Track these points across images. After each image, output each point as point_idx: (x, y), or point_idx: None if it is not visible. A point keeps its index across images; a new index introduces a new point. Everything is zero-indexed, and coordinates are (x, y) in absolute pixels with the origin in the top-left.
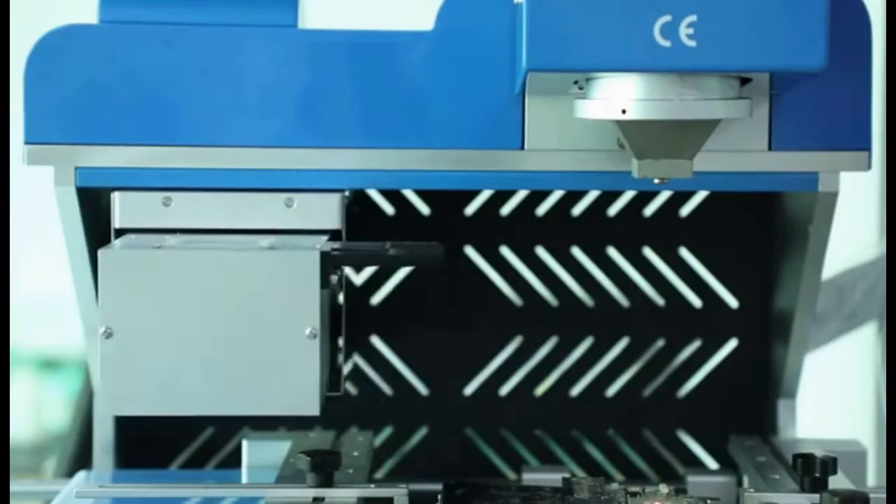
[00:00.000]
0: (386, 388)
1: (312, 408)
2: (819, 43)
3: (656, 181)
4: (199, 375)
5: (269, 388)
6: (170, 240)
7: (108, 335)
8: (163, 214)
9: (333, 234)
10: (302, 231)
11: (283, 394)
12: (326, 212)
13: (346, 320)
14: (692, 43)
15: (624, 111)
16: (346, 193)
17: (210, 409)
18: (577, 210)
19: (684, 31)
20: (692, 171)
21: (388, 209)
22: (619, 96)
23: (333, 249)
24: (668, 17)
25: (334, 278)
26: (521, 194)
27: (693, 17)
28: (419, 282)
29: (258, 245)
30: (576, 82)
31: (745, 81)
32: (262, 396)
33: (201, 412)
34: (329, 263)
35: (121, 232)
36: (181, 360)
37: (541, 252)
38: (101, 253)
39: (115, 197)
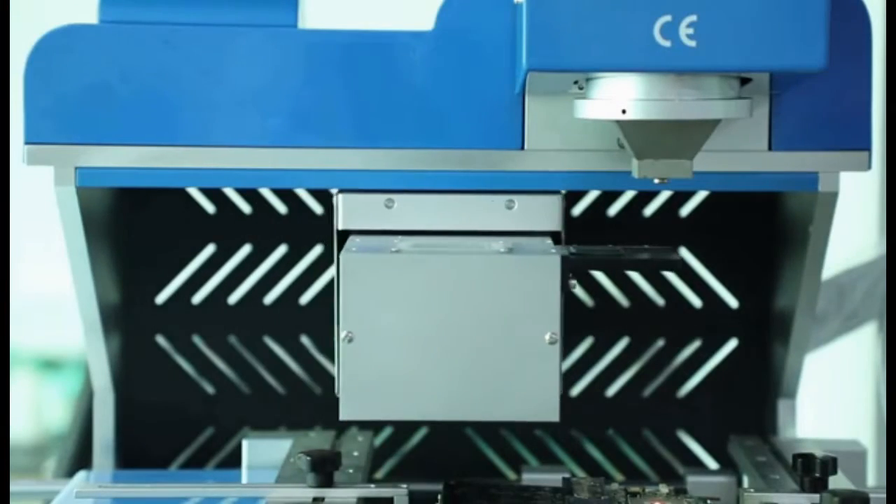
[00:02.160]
0: None
1: (552, 414)
2: (819, 43)
3: (656, 181)
4: (437, 381)
5: (507, 394)
6: (400, 242)
7: (350, 339)
8: (385, 216)
9: (553, 236)
10: (522, 233)
11: (522, 400)
12: (547, 213)
13: None
14: (692, 43)
15: (624, 111)
16: (563, 193)
17: (448, 414)
18: (577, 210)
19: (684, 31)
20: (692, 171)
21: None
22: (619, 96)
23: (571, 253)
24: (668, 17)
25: (573, 283)
26: None
27: (693, 17)
28: None
29: (493, 248)
30: (576, 82)
31: (745, 81)
32: (500, 402)
33: (439, 417)
34: (567, 268)
35: (343, 234)
36: (420, 364)
37: None
38: (342, 257)
39: (339, 199)
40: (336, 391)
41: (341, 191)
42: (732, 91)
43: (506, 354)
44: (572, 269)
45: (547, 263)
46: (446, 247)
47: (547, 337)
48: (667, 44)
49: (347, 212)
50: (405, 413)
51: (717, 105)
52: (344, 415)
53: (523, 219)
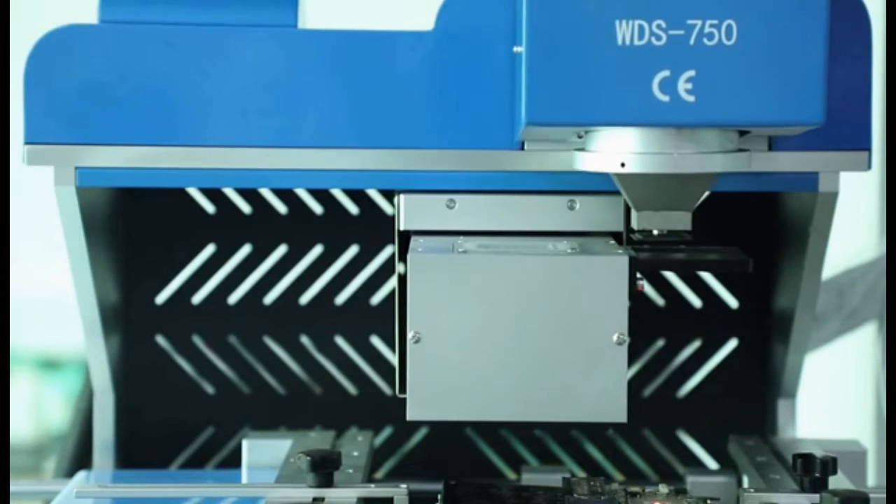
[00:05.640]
0: (385, 388)
1: (619, 415)
2: (817, 98)
3: (655, 232)
4: (505, 381)
5: (574, 395)
6: (465, 243)
7: (417, 340)
8: (447, 216)
9: (615, 236)
10: (584, 233)
11: (589, 400)
12: (610, 214)
13: (346, 320)
14: (691, 98)
15: (623, 164)
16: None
17: (515, 415)
18: None
19: (683, 86)
20: (690, 223)
21: (388, 209)
22: (618, 150)
23: (639, 254)
24: (666, 73)
25: (641, 283)
26: None
27: (692, 73)
28: None
29: (559, 249)
30: (575, 131)
31: (744, 133)
32: (567, 403)
33: (506, 418)
34: (635, 268)
35: (404, 234)
36: (487, 365)
37: None
38: (410, 257)
39: (401, 199)
40: (397, 391)
41: (403, 191)
42: (731, 144)
43: (573, 355)
44: (640, 269)
45: (615, 264)
46: (513, 247)
47: (615, 338)
48: (665, 99)
49: (409, 212)
50: (472, 413)
51: (716, 158)
52: (411, 415)
53: (585, 219)
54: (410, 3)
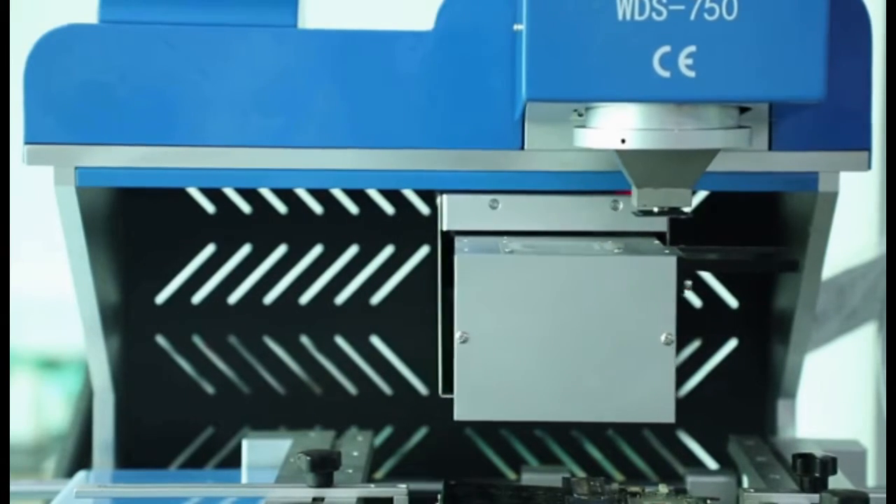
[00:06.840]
0: (386, 388)
1: (668, 415)
2: (818, 73)
3: (655, 210)
4: (552, 381)
5: (623, 395)
6: (510, 243)
7: (464, 340)
8: (490, 217)
9: (658, 236)
10: (627, 233)
11: (637, 401)
12: None
13: (346, 320)
14: (691, 73)
15: (623, 141)
16: None
17: (562, 415)
18: None
19: (683, 61)
20: (691, 200)
21: (389, 209)
22: (619, 126)
23: (686, 254)
24: (667, 48)
25: (688, 284)
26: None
27: (692, 48)
28: (418, 282)
29: (606, 249)
30: (575, 110)
31: (744, 110)
32: (616, 403)
33: (553, 418)
34: (682, 269)
35: (447, 234)
36: (534, 365)
37: None
38: (458, 258)
39: (444, 199)
40: (441, 391)
41: (445, 192)
42: (732, 120)
43: (620, 355)
44: (687, 270)
45: (663, 264)
46: (559, 248)
47: (662, 338)
48: (666, 74)
49: (452, 213)
50: (519, 413)
51: (717, 134)
52: (459, 415)
53: (629, 219)
54: (410, 3)
